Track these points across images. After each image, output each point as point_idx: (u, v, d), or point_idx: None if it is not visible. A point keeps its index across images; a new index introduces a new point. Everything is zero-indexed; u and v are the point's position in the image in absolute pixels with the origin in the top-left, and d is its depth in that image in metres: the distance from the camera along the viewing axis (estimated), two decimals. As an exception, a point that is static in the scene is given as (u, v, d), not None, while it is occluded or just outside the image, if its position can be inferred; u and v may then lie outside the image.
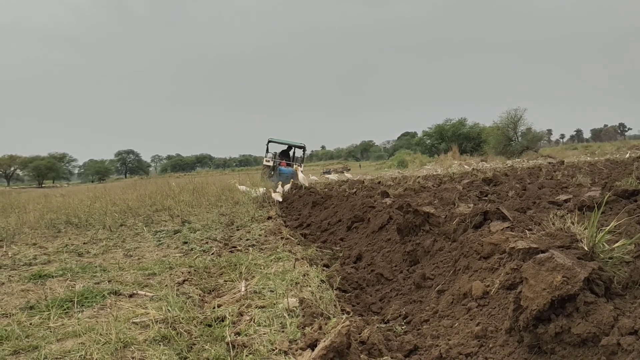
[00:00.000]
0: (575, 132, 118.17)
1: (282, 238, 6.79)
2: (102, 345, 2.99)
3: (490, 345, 2.69)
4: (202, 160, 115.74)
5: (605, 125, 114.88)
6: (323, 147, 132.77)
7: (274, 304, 3.60)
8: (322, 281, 4.23)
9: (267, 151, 20.59)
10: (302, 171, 16.82)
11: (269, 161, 19.63)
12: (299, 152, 21.59)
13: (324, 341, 2.50)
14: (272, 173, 18.83)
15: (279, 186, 13.38)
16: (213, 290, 4.51)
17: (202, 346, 2.98)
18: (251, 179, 15.87)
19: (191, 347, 3.03)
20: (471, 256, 3.75)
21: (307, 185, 14.26)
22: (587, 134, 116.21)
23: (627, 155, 22.80)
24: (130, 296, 4.29)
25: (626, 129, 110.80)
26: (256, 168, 46.29)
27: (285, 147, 21.35)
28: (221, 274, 5.04)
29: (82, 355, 2.89)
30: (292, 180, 13.09)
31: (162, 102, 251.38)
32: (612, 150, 33.11)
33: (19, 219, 10.26)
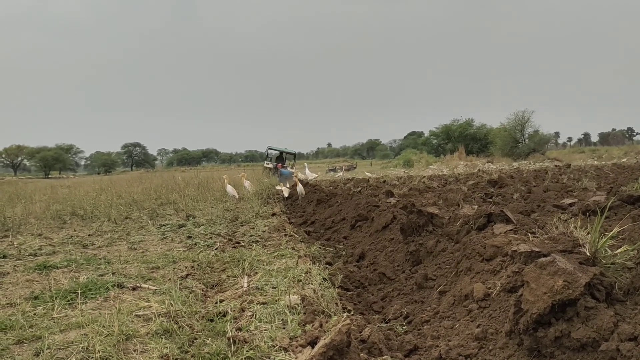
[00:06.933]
0: (582, 136, 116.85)
1: (285, 235, 6.81)
2: (105, 337, 3.03)
3: (490, 348, 2.70)
4: (208, 155, 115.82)
5: (613, 129, 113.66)
6: (329, 145, 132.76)
7: (276, 301, 3.62)
8: (324, 279, 4.25)
9: (267, 156, 25.86)
10: (307, 167, 20.04)
11: (269, 164, 24.01)
12: (290, 157, 26.83)
13: (324, 339, 2.52)
14: (275, 173, 22.00)
15: (282, 184, 14.03)
16: (216, 285, 4.53)
17: (204, 340, 3.00)
18: (256, 174, 16.45)
19: (192, 341, 3.06)
20: (474, 258, 3.75)
21: (312, 178, 16.56)
22: (594, 138, 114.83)
23: (635, 160, 22.62)
24: (134, 289, 4.33)
25: (634, 134, 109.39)
26: (261, 164, 47.13)
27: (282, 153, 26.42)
28: (224, 269, 5.07)
29: (84, 346, 2.92)
30: (295, 176, 13.89)
31: (170, 96, 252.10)
32: (619, 155, 32.86)
33: (25, 210, 10.36)
